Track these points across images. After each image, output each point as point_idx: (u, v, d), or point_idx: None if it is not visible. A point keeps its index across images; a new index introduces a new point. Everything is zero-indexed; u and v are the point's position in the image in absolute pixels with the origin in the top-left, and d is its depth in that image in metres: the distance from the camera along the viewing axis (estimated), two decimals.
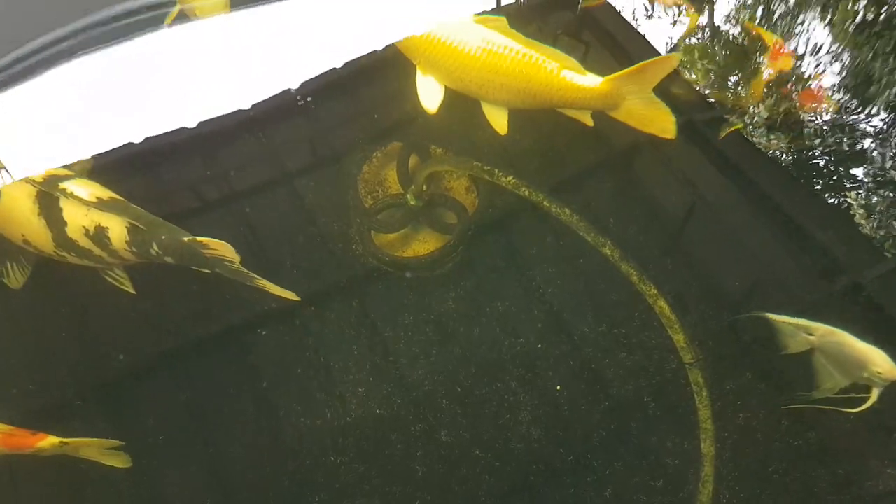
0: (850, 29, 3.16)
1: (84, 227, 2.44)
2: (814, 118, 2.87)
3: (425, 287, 2.82)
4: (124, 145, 2.91)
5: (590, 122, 2.80)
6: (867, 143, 3.00)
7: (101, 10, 2.75)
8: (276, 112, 3.14)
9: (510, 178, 2.78)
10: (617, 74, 2.62)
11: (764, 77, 2.81)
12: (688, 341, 2.60)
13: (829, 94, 2.79)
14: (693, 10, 3.01)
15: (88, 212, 2.43)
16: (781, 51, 2.85)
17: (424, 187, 2.86)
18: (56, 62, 2.70)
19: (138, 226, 2.43)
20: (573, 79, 2.66)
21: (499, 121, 2.81)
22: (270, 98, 3.09)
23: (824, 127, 2.96)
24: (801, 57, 3.07)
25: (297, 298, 2.53)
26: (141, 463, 2.48)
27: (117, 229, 2.43)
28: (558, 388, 2.62)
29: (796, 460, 2.53)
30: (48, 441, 2.32)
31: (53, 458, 2.37)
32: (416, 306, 2.78)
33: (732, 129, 2.85)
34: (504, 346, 2.70)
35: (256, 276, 2.50)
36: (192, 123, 3.04)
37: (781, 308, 2.63)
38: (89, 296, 2.76)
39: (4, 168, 2.60)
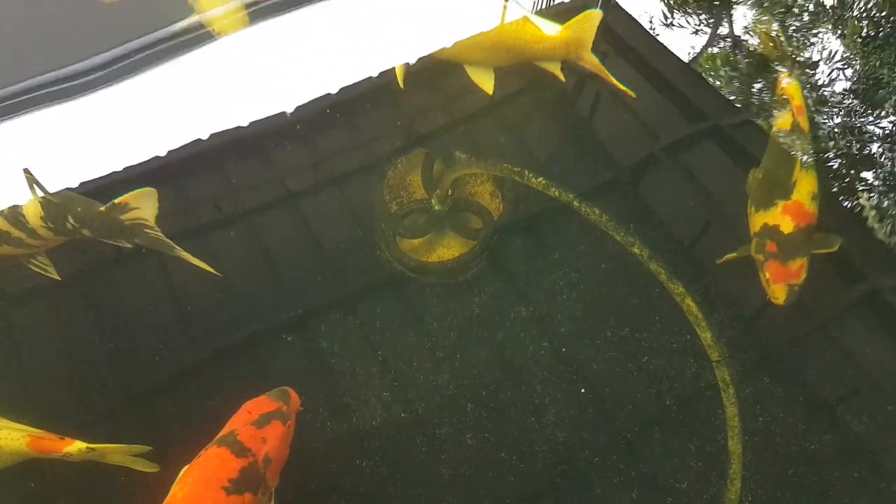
0: (858, 41, 3.25)
1: None
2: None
3: (450, 292, 2.85)
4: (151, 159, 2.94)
5: (561, 76, 2.99)
6: (875, 147, 3.06)
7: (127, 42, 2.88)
8: (298, 121, 3.17)
9: (540, 179, 2.83)
10: (570, 22, 2.87)
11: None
12: (714, 339, 2.65)
13: (789, 286, 2.63)
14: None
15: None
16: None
17: (450, 192, 2.89)
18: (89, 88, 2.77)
19: (52, 199, 2.43)
20: (538, 27, 2.86)
21: (485, 81, 2.93)
22: (295, 106, 3.12)
23: (835, 130, 3.02)
24: None
25: (217, 273, 2.57)
26: (168, 469, 2.47)
27: (31, 206, 2.44)
28: (582, 390, 2.66)
29: (814, 462, 2.57)
30: (75, 446, 2.32)
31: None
32: (441, 311, 2.81)
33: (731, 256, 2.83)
34: (528, 350, 2.73)
35: (177, 247, 2.51)
36: (210, 133, 3.07)
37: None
38: (113, 305, 2.79)
39: (37, 182, 2.60)
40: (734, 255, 2.82)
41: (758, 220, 2.76)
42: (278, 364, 2.70)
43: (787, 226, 2.69)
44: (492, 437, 2.58)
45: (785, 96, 2.94)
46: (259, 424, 2.19)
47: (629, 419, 2.62)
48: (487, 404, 2.64)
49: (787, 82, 3.00)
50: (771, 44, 3.05)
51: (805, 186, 2.74)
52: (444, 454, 2.56)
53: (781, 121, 2.89)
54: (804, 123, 2.88)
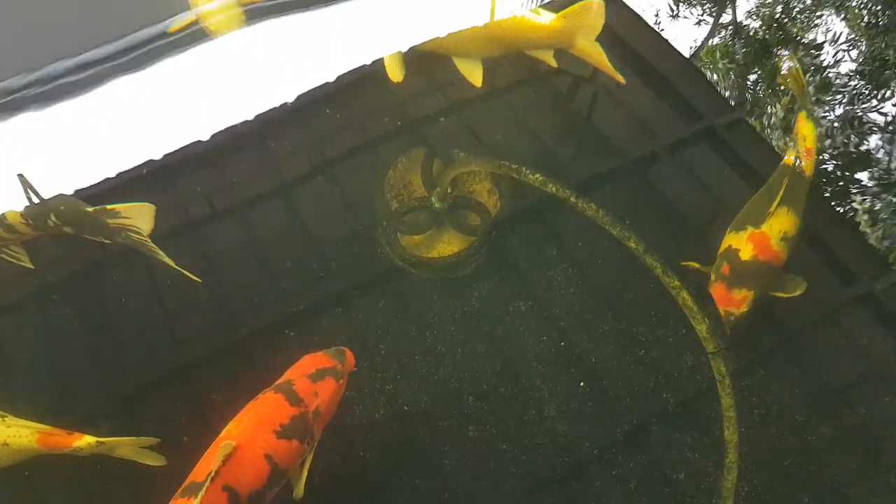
0: (863, 25, 3.30)
1: None
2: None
3: (450, 287, 2.89)
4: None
5: (553, 62, 3.03)
6: (874, 140, 3.09)
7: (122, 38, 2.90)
8: (301, 119, 3.21)
9: (538, 175, 2.87)
10: (564, 12, 2.93)
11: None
12: (710, 331, 2.68)
13: (725, 312, 2.64)
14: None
15: None
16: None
17: (449, 190, 2.94)
18: (78, 89, 2.80)
19: (33, 198, 2.44)
20: (532, 17, 2.93)
21: (474, 73, 2.98)
22: (294, 104, 3.16)
23: (835, 124, 3.05)
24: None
25: (198, 280, 2.60)
26: (174, 462, 2.50)
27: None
28: (581, 384, 2.69)
29: (811, 453, 2.60)
30: (84, 441, 2.33)
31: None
32: (442, 306, 2.85)
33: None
34: (528, 343, 2.76)
35: (158, 252, 2.52)
36: (211, 131, 3.12)
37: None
38: (114, 296, 2.82)
39: (31, 187, 2.62)
40: (697, 265, 2.80)
41: (727, 240, 2.75)
42: (280, 358, 2.70)
43: (746, 253, 2.66)
44: (493, 428, 2.61)
45: (799, 135, 2.88)
46: (314, 378, 2.28)
47: (628, 411, 2.65)
48: (488, 397, 2.67)
49: (804, 123, 2.90)
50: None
51: (779, 223, 2.69)
52: (447, 446, 2.59)
53: (788, 157, 2.88)
54: (808, 167, 2.80)
